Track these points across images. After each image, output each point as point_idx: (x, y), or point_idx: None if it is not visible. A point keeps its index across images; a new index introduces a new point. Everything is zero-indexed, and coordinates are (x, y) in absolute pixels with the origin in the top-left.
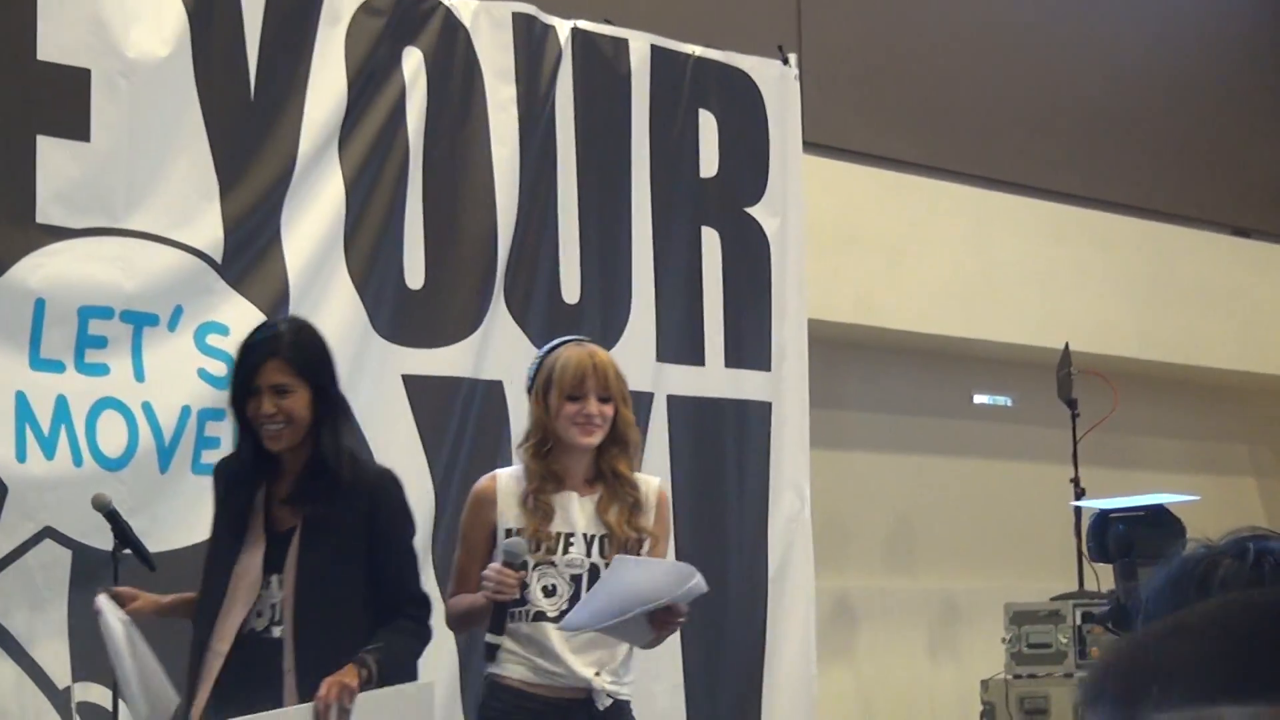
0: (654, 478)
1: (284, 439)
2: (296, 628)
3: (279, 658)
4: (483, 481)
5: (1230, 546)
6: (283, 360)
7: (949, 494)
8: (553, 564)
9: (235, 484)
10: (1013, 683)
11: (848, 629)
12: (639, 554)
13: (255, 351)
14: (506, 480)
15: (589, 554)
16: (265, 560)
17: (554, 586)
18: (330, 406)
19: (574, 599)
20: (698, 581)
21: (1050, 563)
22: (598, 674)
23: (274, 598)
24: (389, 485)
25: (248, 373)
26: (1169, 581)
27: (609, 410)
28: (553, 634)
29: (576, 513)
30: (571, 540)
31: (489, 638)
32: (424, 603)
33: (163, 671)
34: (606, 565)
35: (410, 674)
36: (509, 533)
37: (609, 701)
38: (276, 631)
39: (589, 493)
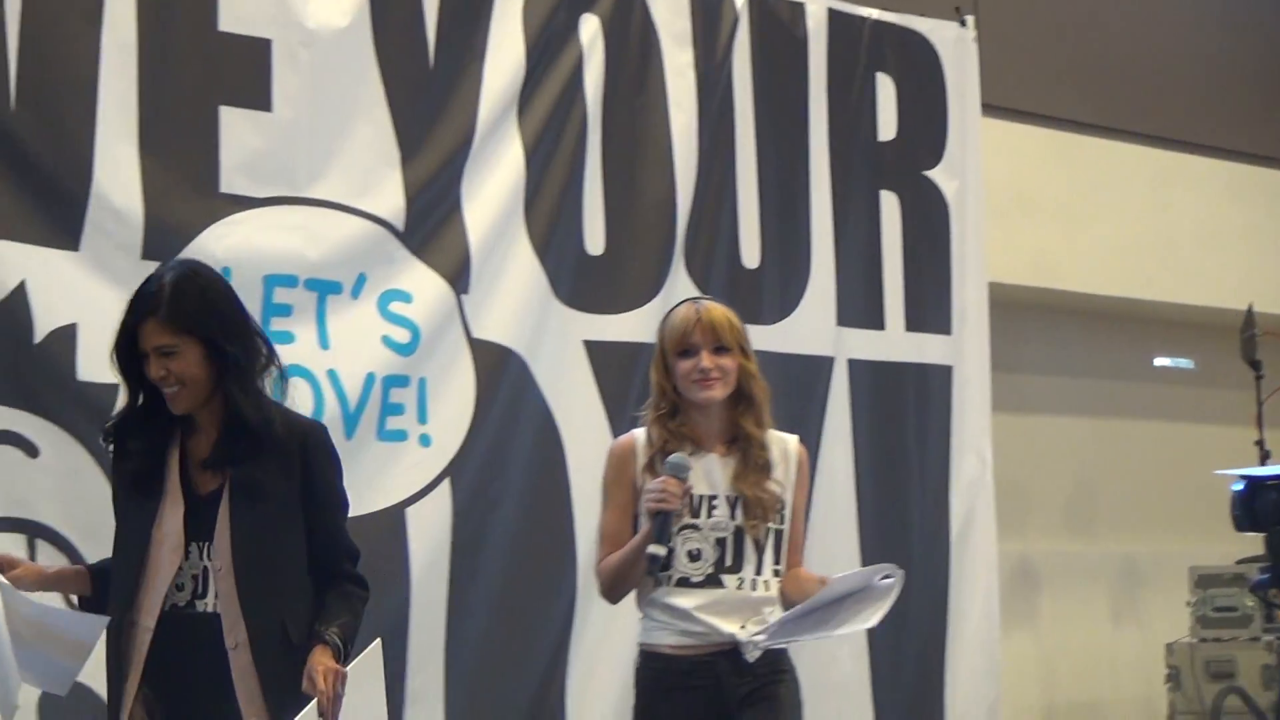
0: (791, 436)
1: (183, 401)
2: (242, 600)
3: (217, 634)
4: (620, 440)
5: None
6: (160, 321)
7: (1130, 457)
8: (696, 527)
9: (140, 445)
10: (1198, 646)
11: (1029, 593)
12: (776, 516)
13: (133, 311)
14: (644, 438)
15: (733, 516)
16: (185, 527)
17: (699, 551)
18: (229, 357)
19: (719, 563)
20: (897, 578)
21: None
22: (742, 626)
23: (195, 568)
24: (320, 434)
25: (130, 335)
26: None
27: (727, 363)
28: (694, 598)
29: (718, 474)
30: (715, 503)
31: (651, 548)
32: (358, 556)
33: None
34: (749, 529)
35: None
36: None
37: (759, 653)
38: (203, 605)
39: (728, 454)
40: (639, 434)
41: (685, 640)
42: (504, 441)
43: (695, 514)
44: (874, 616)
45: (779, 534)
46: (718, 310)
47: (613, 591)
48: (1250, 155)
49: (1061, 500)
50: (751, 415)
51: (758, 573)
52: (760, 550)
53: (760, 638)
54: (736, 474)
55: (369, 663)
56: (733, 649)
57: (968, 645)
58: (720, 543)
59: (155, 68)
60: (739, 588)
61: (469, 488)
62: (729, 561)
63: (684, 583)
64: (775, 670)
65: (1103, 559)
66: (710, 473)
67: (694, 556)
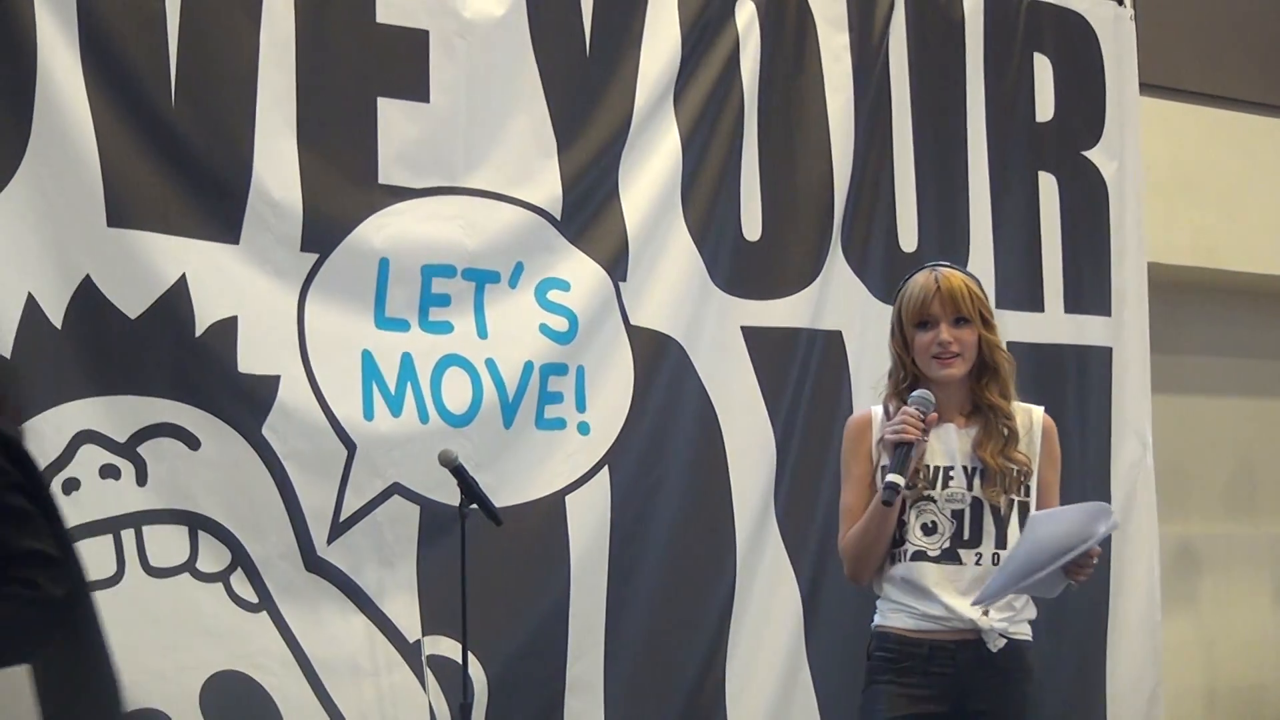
0: (1037, 407)
1: None
2: None
3: None
4: (856, 415)
5: None
6: None
7: None
8: (931, 499)
9: None
10: None
11: (1191, 576)
12: (1020, 488)
13: None
14: (881, 414)
15: (969, 487)
16: None
17: (934, 524)
18: None
19: (955, 536)
20: (1113, 520)
21: None
22: (985, 613)
23: None
24: None
25: None
26: None
27: (966, 335)
28: (930, 574)
29: (955, 444)
30: (951, 473)
31: (890, 477)
32: (41, 561)
33: None
34: (989, 500)
35: (22, 646)
36: (883, 470)
37: (1002, 642)
38: None
39: (967, 425)
40: (876, 410)
41: (923, 624)
42: (662, 429)
43: (930, 485)
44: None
45: (1024, 507)
46: (957, 278)
47: (858, 564)
48: None
49: (1222, 482)
50: (996, 386)
51: (998, 546)
52: (1002, 524)
53: (989, 591)
54: (977, 442)
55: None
56: (976, 638)
57: (1129, 629)
58: (957, 515)
59: (313, 60)
60: (978, 563)
61: (628, 475)
62: (967, 535)
63: (920, 557)
64: (1022, 668)
65: (1265, 541)
66: (947, 442)
67: (929, 530)
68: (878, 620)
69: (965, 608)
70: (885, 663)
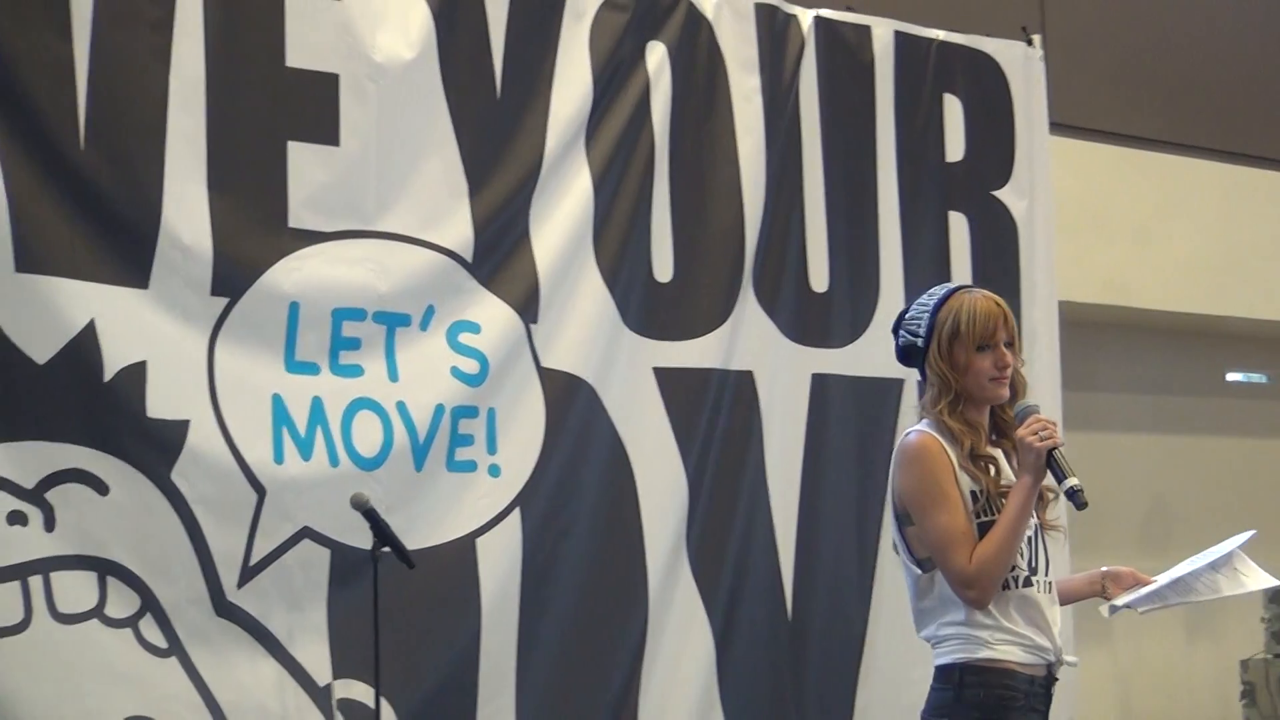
0: None
1: None
2: None
3: None
4: (921, 438)
5: None
6: None
7: (1205, 473)
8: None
9: None
10: (1273, 662)
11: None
12: (1047, 505)
13: None
14: (940, 435)
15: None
16: None
17: (1021, 549)
18: None
19: (1030, 561)
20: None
21: None
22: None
23: None
24: None
25: None
26: None
27: (1013, 358)
28: (1041, 602)
29: (1005, 467)
30: None
31: (1073, 482)
32: None
33: None
34: (1043, 525)
35: None
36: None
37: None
38: None
39: (1000, 445)
40: (929, 432)
41: (1033, 657)
42: (574, 470)
43: (999, 510)
44: (1251, 580)
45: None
46: (1003, 301)
47: (996, 584)
48: None
49: (1136, 517)
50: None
51: (1047, 574)
52: (1048, 550)
53: (1123, 601)
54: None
55: None
56: (1047, 671)
57: None
58: (1030, 540)
59: (223, 104)
60: (1045, 591)
61: (539, 517)
62: (1035, 562)
63: (1028, 583)
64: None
65: None
66: (1001, 466)
67: (1021, 554)
68: (983, 653)
69: (1044, 638)
70: (1000, 701)
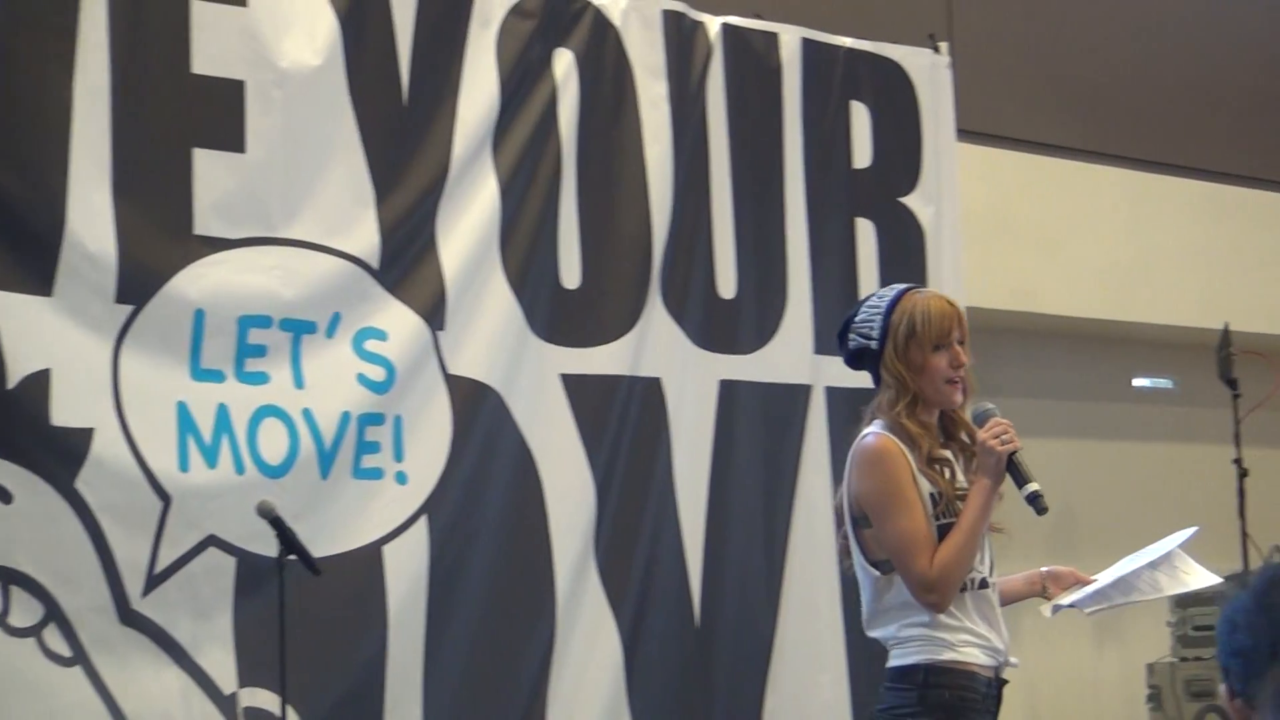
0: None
1: None
2: None
3: None
4: (881, 440)
5: None
6: None
7: (1111, 478)
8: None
9: None
10: (1179, 666)
11: (1010, 614)
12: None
13: None
14: (897, 436)
15: None
16: None
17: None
18: None
19: (989, 563)
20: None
21: (1214, 544)
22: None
23: None
24: None
25: None
26: None
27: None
28: (995, 603)
29: (957, 469)
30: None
31: (1034, 487)
32: None
33: None
34: (994, 526)
35: None
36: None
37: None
38: None
39: (948, 447)
40: (889, 433)
41: (989, 659)
42: (481, 477)
43: (956, 513)
44: (1192, 579)
45: None
46: (953, 299)
47: (956, 587)
48: (1225, 175)
49: (1044, 522)
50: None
51: (992, 575)
52: (992, 552)
53: (1068, 600)
54: (967, 465)
55: None
56: (996, 672)
57: None
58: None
59: (128, 111)
60: (994, 592)
61: (446, 524)
62: (988, 562)
63: (984, 584)
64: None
65: None
66: (955, 468)
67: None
68: (947, 655)
69: (998, 639)
70: (963, 701)
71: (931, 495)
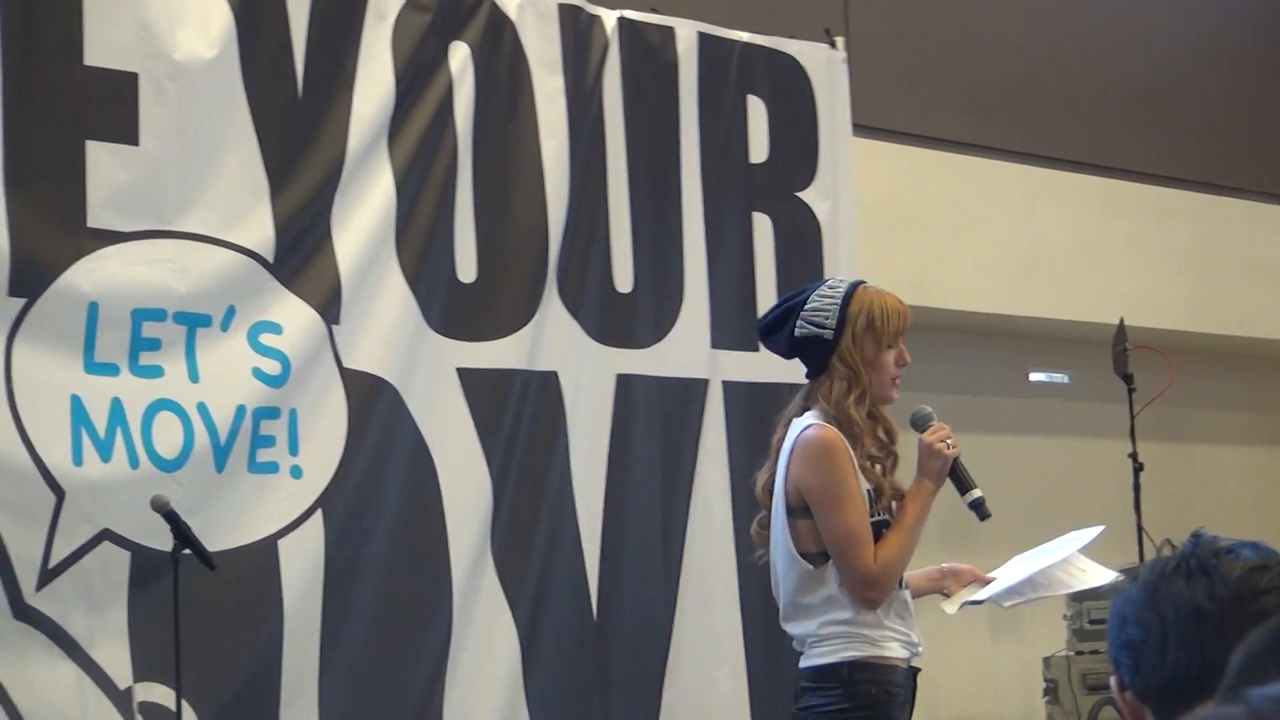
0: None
1: None
2: None
3: None
4: (827, 432)
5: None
6: None
7: (1007, 473)
8: (889, 524)
9: None
10: (1075, 659)
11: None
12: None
13: None
14: (839, 433)
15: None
16: None
17: None
18: None
19: None
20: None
21: (1110, 538)
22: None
23: None
24: None
25: None
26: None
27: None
28: (909, 599)
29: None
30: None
31: (975, 494)
32: None
33: None
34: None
35: None
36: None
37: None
38: None
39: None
40: (832, 426)
41: (904, 653)
42: (377, 471)
43: (888, 511)
44: (1091, 577)
45: None
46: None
47: (894, 585)
48: (1120, 170)
49: (938, 517)
50: None
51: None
52: None
53: (984, 595)
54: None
55: None
56: (908, 662)
57: None
58: None
59: (19, 103)
60: (908, 588)
61: (342, 519)
62: None
63: (902, 582)
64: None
65: None
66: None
67: None
68: (871, 651)
69: (914, 631)
70: (888, 696)
71: (868, 491)
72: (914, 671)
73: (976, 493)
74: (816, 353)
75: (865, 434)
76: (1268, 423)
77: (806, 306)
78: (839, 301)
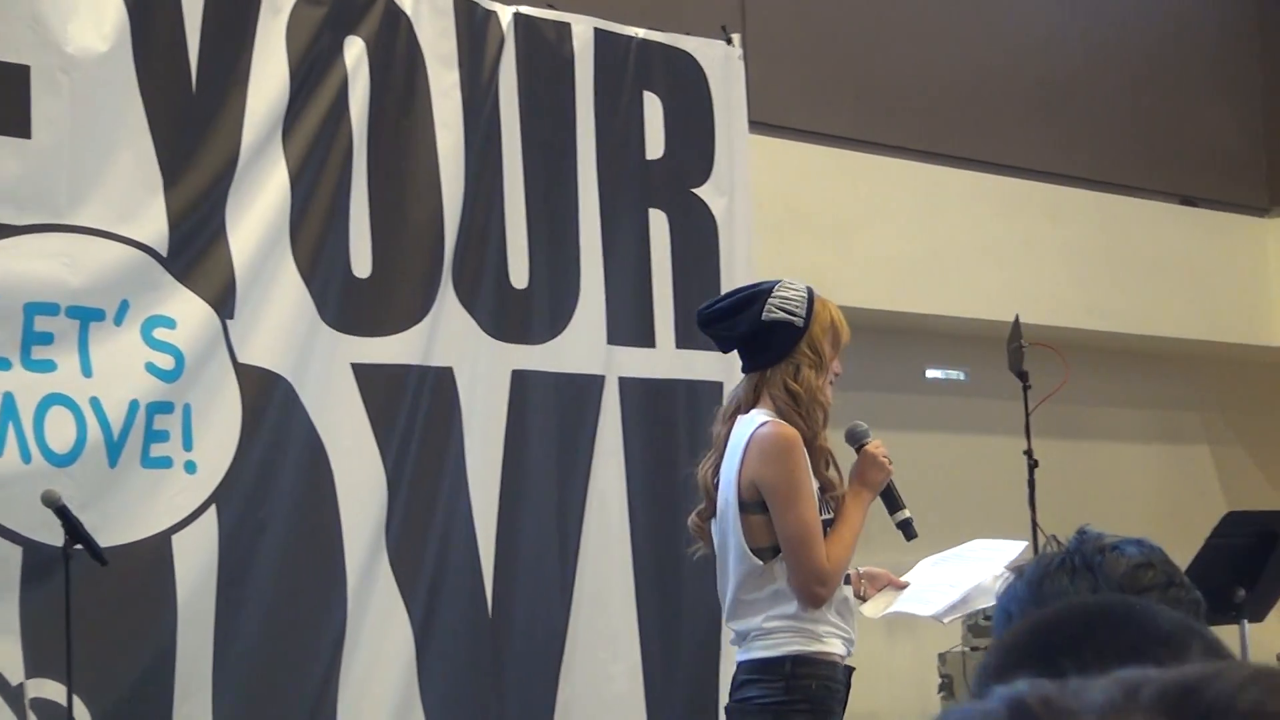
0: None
1: None
2: None
3: None
4: (787, 429)
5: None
6: None
7: (903, 469)
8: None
9: None
10: (970, 655)
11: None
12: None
13: None
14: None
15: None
16: None
17: None
18: None
19: None
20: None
21: (1005, 535)
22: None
23: None
24: None
25: None
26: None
27: None
28: (849, 596)
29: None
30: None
31: (905, 514)
32: None
33: None
34: None
35: None
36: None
37: None
38: None
39: None
40: (783, 424)
41: (843, 649)
42: (271, 467)
43: (831, 510)
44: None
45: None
46: None
47: (840, 582)
48: (1016, 169)
49: None
50: None
51: None
52: None
53: (939, 608)
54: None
55: None
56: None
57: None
58: None
59: None
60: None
61: (235, 514)
62: None
63: (845, 579)
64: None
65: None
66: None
67: None
68: (814, 646)
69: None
70: (829, 691)
71: (817, 490)
72: (849, 669)
73: (906, 513)
74: (782, 338)
75: (815, 428)
76: (1163, 420)
77: (774, 294)
78: (806, 296)
